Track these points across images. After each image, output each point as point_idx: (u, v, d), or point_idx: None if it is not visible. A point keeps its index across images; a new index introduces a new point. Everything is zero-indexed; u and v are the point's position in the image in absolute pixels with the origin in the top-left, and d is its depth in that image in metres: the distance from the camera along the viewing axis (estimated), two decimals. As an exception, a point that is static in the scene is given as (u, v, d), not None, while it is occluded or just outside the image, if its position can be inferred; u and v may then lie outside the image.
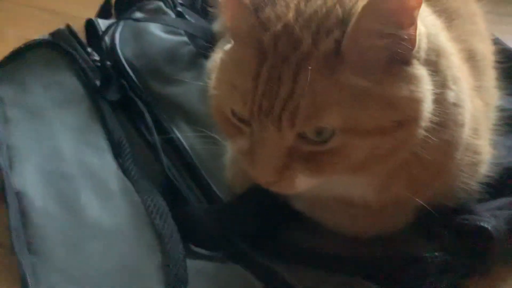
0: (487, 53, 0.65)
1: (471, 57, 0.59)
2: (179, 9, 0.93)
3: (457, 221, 0.56)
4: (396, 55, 0.43)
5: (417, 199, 0.52)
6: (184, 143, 0.73)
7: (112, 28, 0.87)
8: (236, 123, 0.49)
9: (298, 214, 0.59)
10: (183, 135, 0.74)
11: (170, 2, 0.94)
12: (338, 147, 0.45)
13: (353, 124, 0.43)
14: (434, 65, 0.48)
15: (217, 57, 0.83)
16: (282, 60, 0.44)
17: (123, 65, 0.82)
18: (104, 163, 0.69)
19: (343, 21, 0.43)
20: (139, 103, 0.77)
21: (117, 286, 0.54)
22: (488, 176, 0.60)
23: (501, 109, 0.68)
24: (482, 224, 0.54)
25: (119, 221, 0.61)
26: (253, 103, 0.45)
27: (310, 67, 0.42)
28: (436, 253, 0.54)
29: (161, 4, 0.94)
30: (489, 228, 0.54)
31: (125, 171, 0.68)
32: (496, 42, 0.73)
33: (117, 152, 0.71)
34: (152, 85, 0.80)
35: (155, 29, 0.87)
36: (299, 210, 0.59)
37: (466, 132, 0.53)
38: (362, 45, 0.42)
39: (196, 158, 0.70)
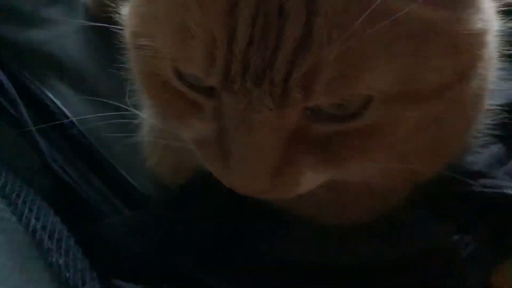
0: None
1: None
2: None
3: (475, 190, 0.43)
4: None
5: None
6: (69, 114, 0.49)
7: None
8: (190, 93, 0.28)
9: (261, 207, 0.41)
10: (65, 102, 0.50)
11: None
12: (376, 123, 0.27)
13: (408, 85, 0.26)
14: None
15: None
16: None
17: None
18: None
19: None
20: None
21: None
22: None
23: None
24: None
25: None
26: (228, 59, 0.25)
27: None
28: (461, 237, 0.40)
29: None
30: (521, 196, 0.41)
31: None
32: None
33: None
34: (2, 30, 0.56)
35: None
36: (266, 202, 0.41)
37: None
38: None
39: (93, 137, 0.47)
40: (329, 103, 0.26)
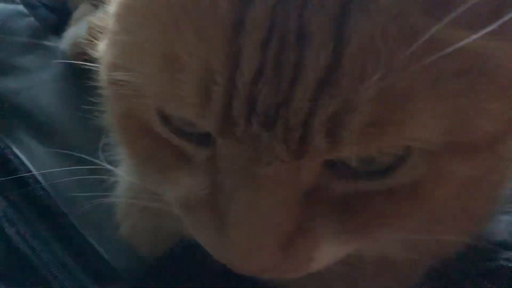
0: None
1: None
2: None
3: (503, 265, 0.37)
4: None
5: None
6: (35, 172, 0.43)
7: None
8: (176, 141, 0.22)
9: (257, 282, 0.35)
10: (30, 157, 0.45)
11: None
12: (414, 182, 0.21)
13: (459, 134, 0.20)
14: None
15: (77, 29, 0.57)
16: None
17: None
18: None
19: None
20: None
21: None
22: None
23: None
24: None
25: None
26: (229, 95, 0.19)
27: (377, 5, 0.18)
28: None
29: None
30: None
31: None
32: None
33: None
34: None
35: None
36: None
37: None
38: None
39: (60, 197, 0.41)
40: (358, 155, 0.20)
